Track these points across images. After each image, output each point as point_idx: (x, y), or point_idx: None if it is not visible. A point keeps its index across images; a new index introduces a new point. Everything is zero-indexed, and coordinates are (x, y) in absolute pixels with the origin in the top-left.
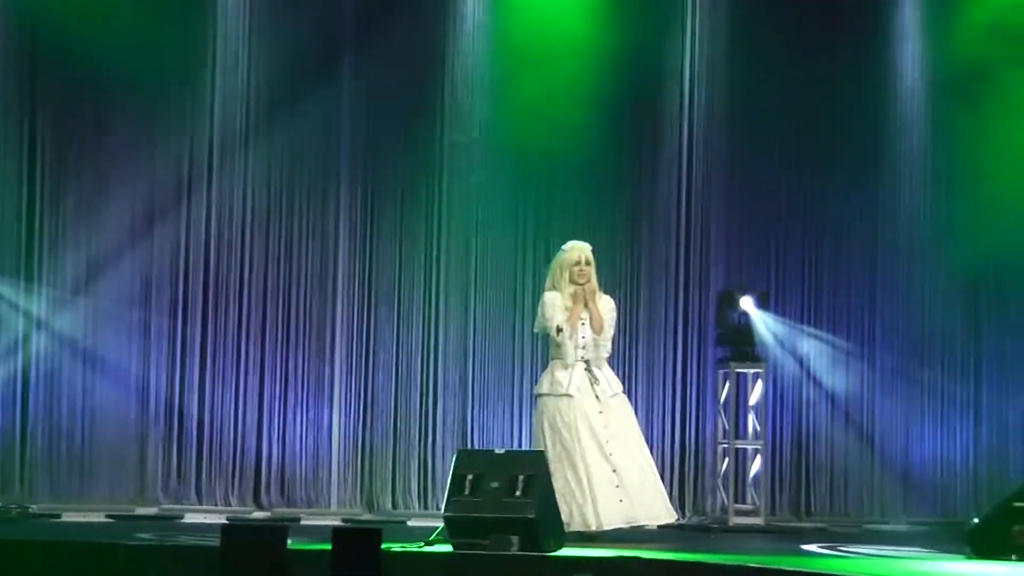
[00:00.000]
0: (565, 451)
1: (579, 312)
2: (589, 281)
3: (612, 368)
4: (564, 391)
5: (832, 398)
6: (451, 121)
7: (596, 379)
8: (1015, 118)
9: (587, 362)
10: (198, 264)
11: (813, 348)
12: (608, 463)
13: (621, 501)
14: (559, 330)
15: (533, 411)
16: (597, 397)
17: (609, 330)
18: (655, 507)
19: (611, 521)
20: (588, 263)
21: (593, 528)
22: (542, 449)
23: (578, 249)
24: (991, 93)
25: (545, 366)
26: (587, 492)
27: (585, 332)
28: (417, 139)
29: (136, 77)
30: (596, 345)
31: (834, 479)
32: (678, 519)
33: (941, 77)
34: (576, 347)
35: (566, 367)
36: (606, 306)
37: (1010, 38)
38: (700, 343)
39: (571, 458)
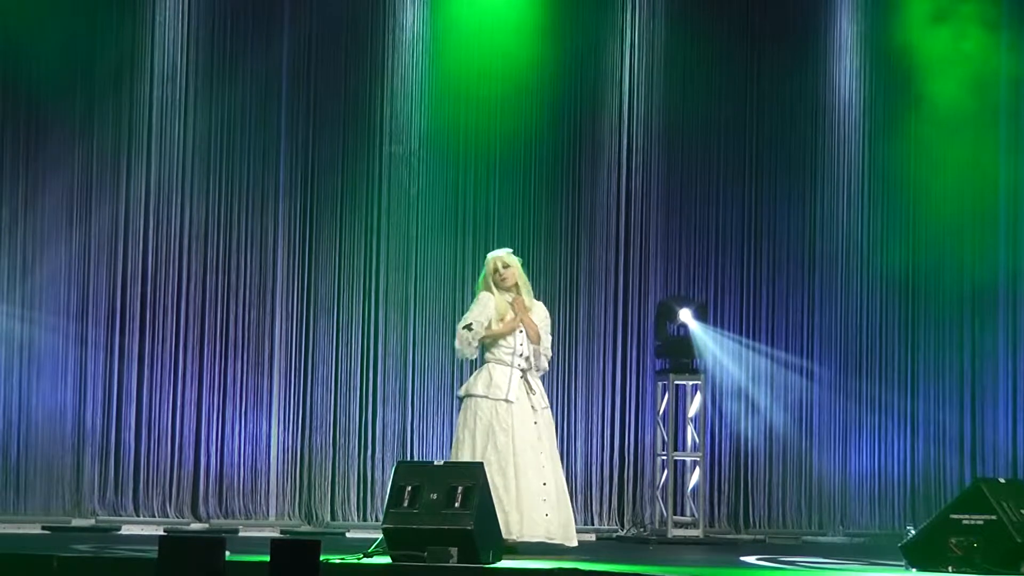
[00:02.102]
0: (498, 455)
1: (511, 327)
2: (515, 283)
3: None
4: (504, 396)
5: (770, 410)
6: (390, 132)
7: (532, 389)
8: (950, 132)
9: (523, 371)
10: (135, 275)
11: (751, 360)
12: (540, 475)
13: (547, 515)
14: (468, 327)
15: (459, 411)
16: (533, 407)
17: (546, 337)
18: (569, 529)
19: (534, 533)
20: (506, 266)
21: (515, 537)
22: (463, 450)
23: (491, 258)
24: (925, 107)
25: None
26: (514, 500)
27: (523, 340)
28: (356, 150)
29: (72, 86)
30: (536, 355)
31: (772, 491)
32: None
33: (877, 90)
34: (515, 355)
35: (505, 371)
36: (539, 313)
37: (943, 55)
38: (639, 354)
39: (502, 464)
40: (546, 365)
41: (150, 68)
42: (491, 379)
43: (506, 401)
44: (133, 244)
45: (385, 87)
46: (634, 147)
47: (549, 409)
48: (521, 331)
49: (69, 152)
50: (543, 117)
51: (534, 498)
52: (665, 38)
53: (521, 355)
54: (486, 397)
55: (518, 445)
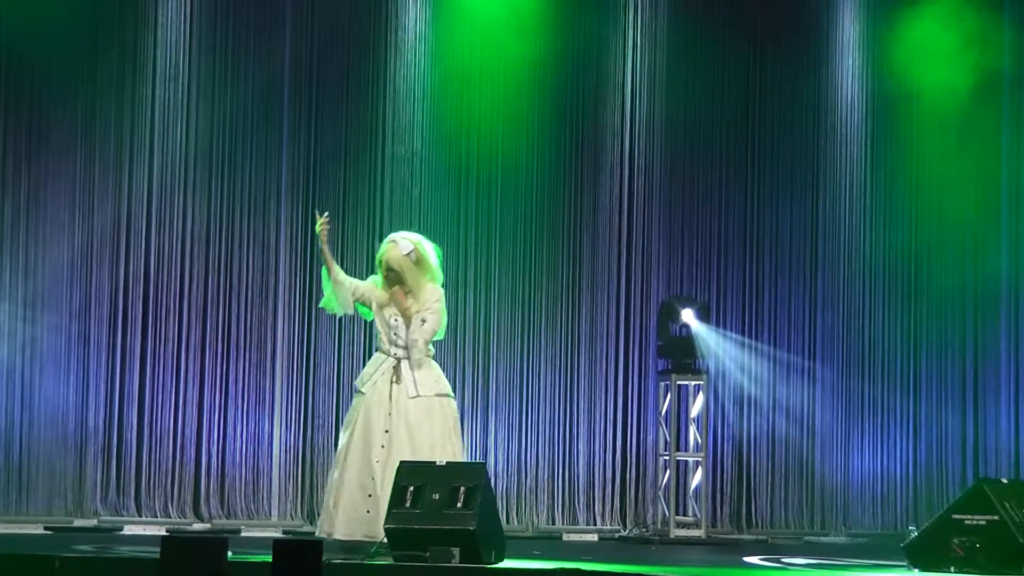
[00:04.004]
0: (342, 445)
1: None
2: (409, 278)
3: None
4: (360, 387)
5: (773, 411)
6: (393, 133)
7: (399, 379)
8: (952, 133)
9: (399, 360)
10: (137, 275)
11: (753, 360)
12: (369, 469)
13: (368, 512)
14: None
15: None
16: (391, 398)
17: (423, 326)
18: None
19: (349, 532)
20: (391, 268)
21: (328, 534)
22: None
23: (382, 248)
24: (928, 107)
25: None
26: (334, 495)
27: (399, 331)
28: (359, 151)
29: (74, 86)
30: (410, 345)
31: (774, 491)
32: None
33: (880, 91)
34: (390, 343)
35: (378, 359)
36: (430, 297)
37: (946, 55)
38: (641, 354)
39: (339, 456)
40: (417, 355)
41: (152, 67)
42: (364, 369)
43: (360, 393)
44: (135, 244)
45: (387, 87)
46: (636, 147)
47: (431, 398)
48: (397, 320)
49: (71, 152)
50: (545, 117)
51: (355, 494)
52: (667, 38)
53: (395, 344)
54: (356, 389)
55: (354, 438)
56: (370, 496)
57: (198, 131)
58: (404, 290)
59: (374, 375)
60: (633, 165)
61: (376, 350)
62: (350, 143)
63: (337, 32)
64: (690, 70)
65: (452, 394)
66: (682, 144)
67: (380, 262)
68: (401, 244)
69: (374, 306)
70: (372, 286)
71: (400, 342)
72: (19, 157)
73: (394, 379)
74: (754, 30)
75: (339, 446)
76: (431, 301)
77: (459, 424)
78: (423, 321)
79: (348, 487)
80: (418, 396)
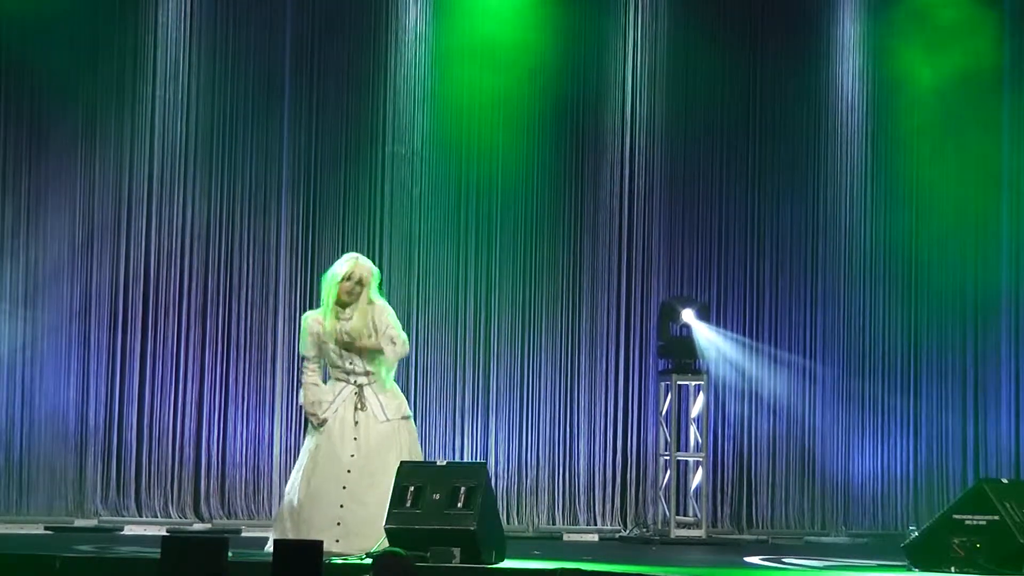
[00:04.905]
0: (302, 471)
1: (334, 332)
2: (358, 300)
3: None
4: (320, 414)
5: (773, 411)
6: (393, 132)
7: (364, 405)
8: (953, 132)
9: (360, 386)
10: (137, 275)
11: (753, 360)
12: (338, 495)
13: (338, 541)
14: (304, 359)
15: None
16: (356, 423)
17: (395, 347)
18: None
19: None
20: (360, 283)
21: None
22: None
23: (350, 263)
24: (928, 106)
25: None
26: (302, 517)
27: (354, 360)
28: (359, 150)
29: (75, 86)
30: (368, 372)
31: (775, 491)
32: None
33: (880, 90)
34: (347, 373)
35: (336, 387)
36: (380, 317)
37: (946, 54)
38: (641, 354)
39: (304, 477)
40: (393, 361)
41: (152, 67)
42: (321, 395)
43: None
44: (135, 243)
45: (388, 86)
46: (637, 147)
47: (397, 421)
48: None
49: (72, 151)
50: (546, 117)
51: (326, 517)
52: (668, 38)
53: (353, 372)
54: (312, 413)
55: (319, 462)
56: (339, 525)
57: (198, 131)
58: (352, 309)
59: (334, 402)
60: (633, 165)
61: (331, 379)
62: (350, 143)
63: (337, 32)
64: (690, 70)
65: (411, 415)
66: (682, 144)
67: (346, 277)
68: (362, 259)
69: (320, 350)
70: (314, 340)
71: (358, 369)
72: (19, 157)
73: (358, 405)
74: (754, 30)
75: (300, 468)
76: (386, 316)
77: (419, 444)
78: (392, 340)
79: (320, 515)
80: (387, 420)
